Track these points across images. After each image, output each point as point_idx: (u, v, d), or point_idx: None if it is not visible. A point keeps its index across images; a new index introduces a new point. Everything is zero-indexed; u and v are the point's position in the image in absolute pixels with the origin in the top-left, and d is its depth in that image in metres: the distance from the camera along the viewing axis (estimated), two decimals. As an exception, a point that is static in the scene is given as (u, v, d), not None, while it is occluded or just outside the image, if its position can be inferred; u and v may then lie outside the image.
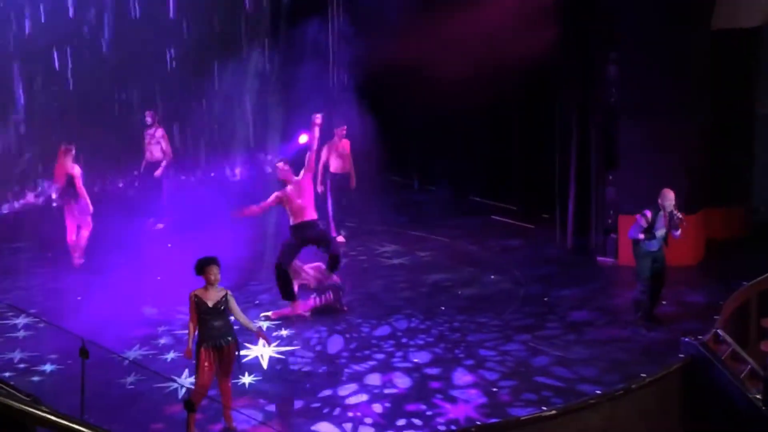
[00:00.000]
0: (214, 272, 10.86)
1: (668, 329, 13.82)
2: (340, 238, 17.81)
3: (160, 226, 18.62)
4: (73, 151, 17.03)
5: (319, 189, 17.56)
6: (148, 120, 19.17)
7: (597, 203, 17.20)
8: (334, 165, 18.37)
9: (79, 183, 16.77)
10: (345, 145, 18.44)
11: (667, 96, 16.34)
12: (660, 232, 13.72)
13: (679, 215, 13.70)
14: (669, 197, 13.74)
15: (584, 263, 17.07)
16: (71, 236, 16.89)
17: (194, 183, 22.09)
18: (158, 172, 18.97)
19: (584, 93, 17.24)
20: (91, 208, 16.80)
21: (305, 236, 14.48)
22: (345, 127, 18.47)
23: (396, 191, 21.77)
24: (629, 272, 14.94)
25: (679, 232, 13.78)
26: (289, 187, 14.48)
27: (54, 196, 19.08)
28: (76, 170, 16.84)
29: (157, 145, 19.09)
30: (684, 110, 16.54)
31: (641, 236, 13.74)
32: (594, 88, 17.07)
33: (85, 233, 16.91)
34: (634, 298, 14.26)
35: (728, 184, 17.53)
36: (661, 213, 13.72)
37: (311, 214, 14.51)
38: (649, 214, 13.73)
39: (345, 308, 14.75)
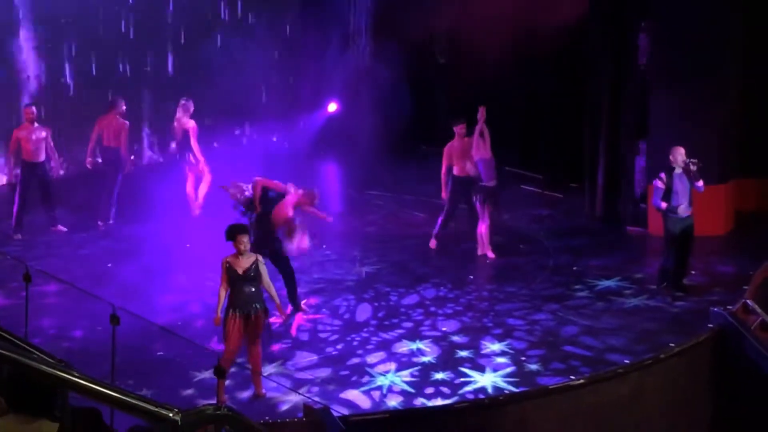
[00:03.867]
0: (244, 242, 10.93)
1: (697, 299, 13.79)
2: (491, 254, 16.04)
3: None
4: (191, 107, 17.79)
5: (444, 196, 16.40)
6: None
7: (627, 172, 17.15)
8: (458, 168, 16.16)
9: (194, 137, 17.59)
10: (466, 144, 16.08)
11: (699, 64, 16.25)
12: (682, 208, 13.64)
13: (693, 160, 13.58)
14: (679, 151, 13.66)
15: (613, 233, 17.04)
16: (189, 188, 17.68)
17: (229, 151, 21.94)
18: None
19: (615, 62, 17.17)
20: (201, 160, 17.67)
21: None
22: (464, 124, 16.25)
23: (427, 160, 21.75)
24: (659, 242, 14.89)
25: (701, 183, 13.66)
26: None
27: (173, 147, 19.06)
28: (191, 124, 17.66)
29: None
30: (716, 79, 16.45)
31: (663, 205, 13.68)
32: (625, 57, 17.00)
33: (203, 187, 17.63)
34: (660, 266, 14.23)
35: (760, 154, 17.40)
36: (676, 171, 13.65)
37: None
38: (663, 175, 13.67)
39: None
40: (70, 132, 19.76)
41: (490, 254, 15.75)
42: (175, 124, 17.97)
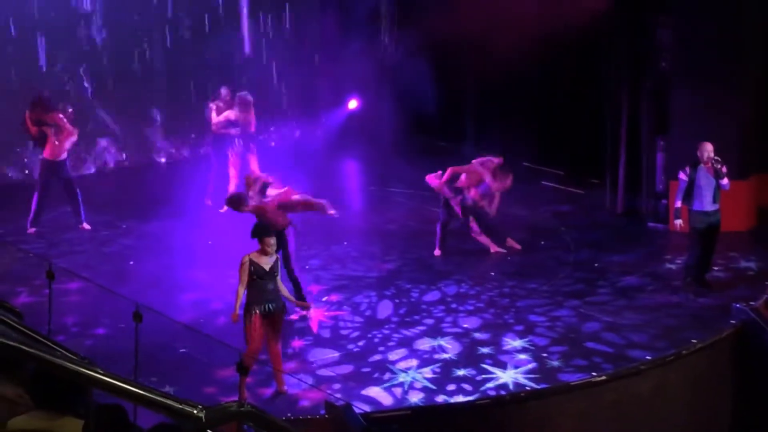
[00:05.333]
0: (270, 244, 10.99)
1: (719, 295, 13.76)
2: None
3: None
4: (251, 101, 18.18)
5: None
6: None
7: (648, 168, 17.12)
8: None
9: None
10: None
11: (720, 60, 16.20)
12: (706, 202, 13.64)
13: (716, 158, 13.58)
14: (707, 147, 13.64)
15: (635, 229, 17.01)
16: (231, 187, 17.63)
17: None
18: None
19: (635, 58, 17.13)
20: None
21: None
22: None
23: (447, 157, 21.73)
24: (680, 238, 14.87)
25: (726, 180, 13.65)
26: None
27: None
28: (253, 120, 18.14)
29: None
30: (737, 74, 16.40)
31: (678, 204, 13.70)
32: (645, 53, 16.97)
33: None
34: (685, 262, 14.22)
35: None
36: (701, 167, 13.63)
37: None
38: (688, 169, 13.67)
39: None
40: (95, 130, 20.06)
41: (494, 248, 15.91)
42: (232, 116, 18.05)
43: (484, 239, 15.84)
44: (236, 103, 18.20)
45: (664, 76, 16.80)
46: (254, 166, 17.66)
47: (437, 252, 15.82)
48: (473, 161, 15.97)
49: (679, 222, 13.94)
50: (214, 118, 18.29)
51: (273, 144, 22.68)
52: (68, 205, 17.16)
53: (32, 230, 16.81)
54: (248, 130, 18.23)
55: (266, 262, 10.95)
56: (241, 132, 18.13)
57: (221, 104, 18.40)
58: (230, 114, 18.15)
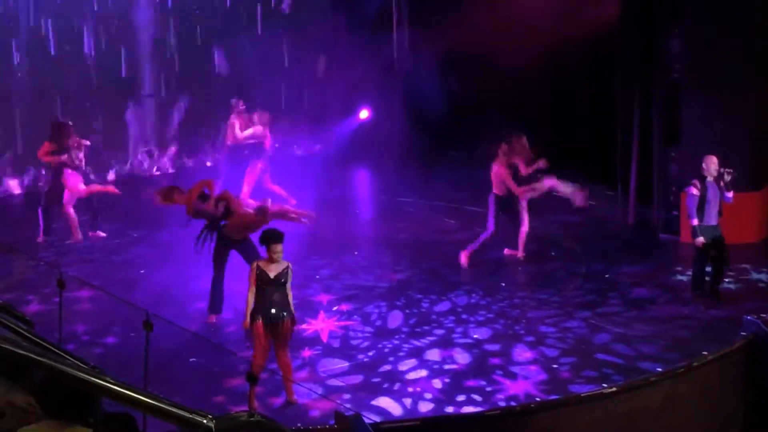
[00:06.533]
0: (278, 251, 10.93)
1: (730, 307, 13.73)
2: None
3: None
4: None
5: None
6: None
7: (659, 179, 17.09)
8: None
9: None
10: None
11: (731, 70, 16.18)
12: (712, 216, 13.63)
13: (729, 170, 13.55)
14: (712, 160, 13.64)
15: (646, 240, 16.99)
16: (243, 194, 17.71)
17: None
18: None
19: (646, 68, 17.12)
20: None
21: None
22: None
23: (457, 167, 21.75)
24: (691, 249, 14.83)
25: (731, 194, 13.63)
26: None
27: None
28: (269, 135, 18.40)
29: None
30: (748, 84, 16.38)
31: (695, 222, 13.65)
32: (656, 63, 16.95)
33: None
34: (692, 274, 14.20)
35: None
36: (708, 179, 13.61)
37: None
38: (698, 183, 13.65)
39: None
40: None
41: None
42: (258, 132, 18.20)
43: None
44: (256, 121, 18.33)
45: (676, 86, 16.79)
46: (268, 183, 17.77)
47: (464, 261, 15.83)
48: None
49: (701, 240, 13.81)
50: (238, 133, 18.38)
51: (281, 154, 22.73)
52: (87, 213, 17.22)
53: (40, 239, 16.89)
54: (264, 146, 18.33)
55: (272, 270, 10.91)
56: (257, 148, 18.23)
57: (237, 117, 18.53)
58: (256, 130, 18.28)
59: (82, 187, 16.87)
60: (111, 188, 17.87)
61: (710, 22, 16.27)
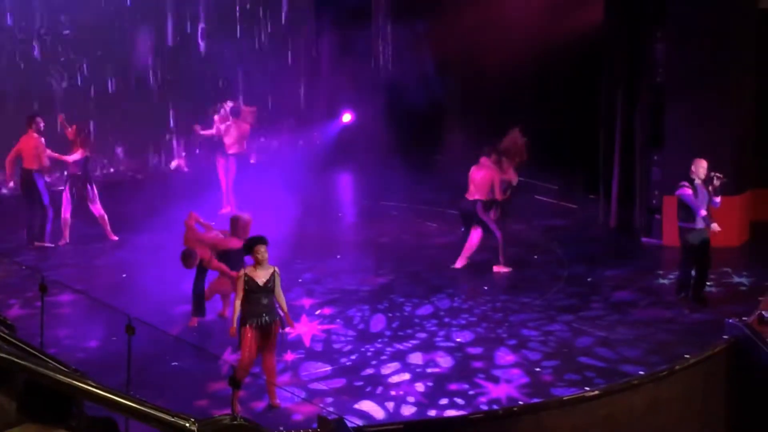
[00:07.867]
0: (261, 251, 10.89)
1: (712, 310, 13.76)
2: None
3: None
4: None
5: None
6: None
7: (641, 183, 17.14)
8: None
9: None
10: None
11: (714, 75, 16.26)
12: (702, 225, 13.64)
13: (718, 174, 13.59)
14: (701, 164, 13.65)
15: (628, 243, 17.03)
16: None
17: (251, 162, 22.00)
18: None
19: (630, 72, 17.16)
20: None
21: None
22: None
23: (441, 170, 21.78)
24: (674, 252, 14.89)
25: (718, 198, 13.67)
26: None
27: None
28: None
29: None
30: (731, 89, 16.46)
31: (703, 213, 13.61)
32: (640, 67, 17.00)
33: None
34: (678, 278, 14.23)
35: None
36: (696, 182, 13.63)
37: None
38: (687, 184, 13.66)
39: None
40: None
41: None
42: (231, 129, 18.45)
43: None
44: (234, 120, 18.45)
45: (659, 89, 16.83)
46: (231, 180, 17.99)
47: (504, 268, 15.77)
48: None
49: (715, 225, 13.78)
50: (214, 131, 18.57)
51: (253, 161, 22.72)
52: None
53: (35, 244, 16.96)
54: (242, 146, 18.46)
55: (260, 276, 10.89)
56: (233, 148, 18.38)
57: (218, 117, 18.64)
58: (233, 129, 18.41)
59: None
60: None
61: (693, 26, 16.34)
